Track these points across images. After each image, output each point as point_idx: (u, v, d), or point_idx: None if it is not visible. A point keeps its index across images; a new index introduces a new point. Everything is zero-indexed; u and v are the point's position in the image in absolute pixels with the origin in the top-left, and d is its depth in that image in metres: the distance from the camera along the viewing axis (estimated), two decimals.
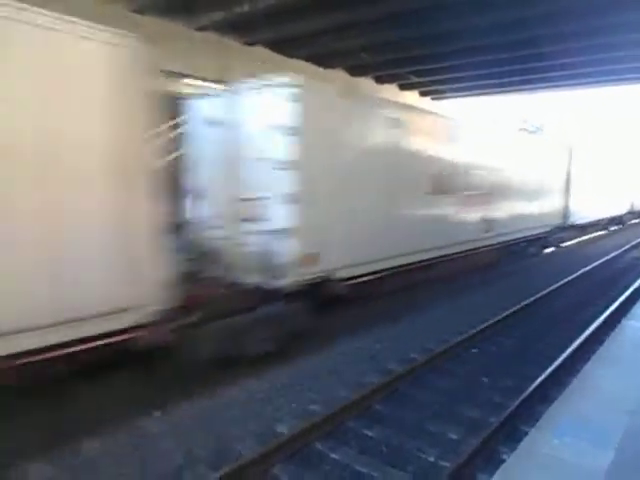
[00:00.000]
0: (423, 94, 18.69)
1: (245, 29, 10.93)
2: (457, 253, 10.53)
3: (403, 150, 8.67)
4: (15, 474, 4.01)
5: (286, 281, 6.68)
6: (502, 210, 12.26)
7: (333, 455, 4.48)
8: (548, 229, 15.55)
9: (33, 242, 4.24)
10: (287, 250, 6.63)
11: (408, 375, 6.16)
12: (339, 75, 14.48)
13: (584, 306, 9.67)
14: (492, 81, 16.13)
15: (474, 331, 7.67)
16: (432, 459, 4.46)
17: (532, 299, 9.73)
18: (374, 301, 8.55)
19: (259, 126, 6.74)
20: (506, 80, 16.00)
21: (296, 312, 6.87)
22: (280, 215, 6.62)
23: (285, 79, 6.53)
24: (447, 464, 4.28)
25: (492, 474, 3.26)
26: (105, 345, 4.68)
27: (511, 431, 4.86)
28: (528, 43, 11.43)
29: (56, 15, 4.26)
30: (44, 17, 4.17)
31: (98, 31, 4.50)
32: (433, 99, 19.28)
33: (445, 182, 9.83)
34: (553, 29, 10.28)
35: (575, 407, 3.97)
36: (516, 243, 13.61)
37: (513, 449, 3.70)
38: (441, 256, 9.92)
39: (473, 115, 20.82)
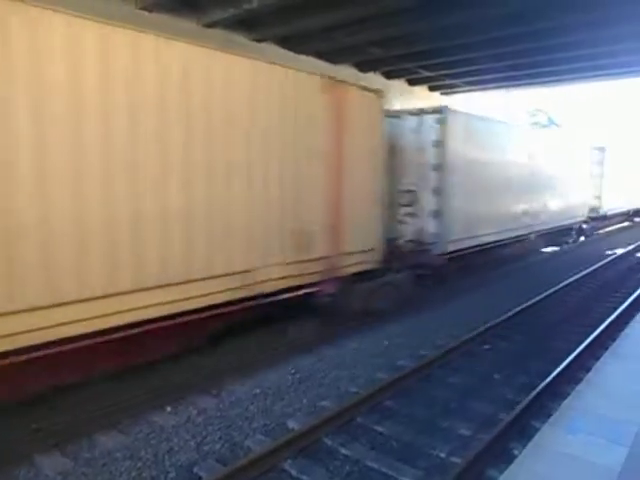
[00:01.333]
0: (432, 89, 18.53)
1: (254, 25, 10.90)
2: (532, 232, 13.84)
3: (500, 157, 11.79)
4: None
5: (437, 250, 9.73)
6: (553, 202, 15.01)
7: None
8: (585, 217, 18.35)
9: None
10: (434, 228, 9.73)
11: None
12: (348, 71, 14.40)
13: (605, 295, 9.96)
14: (502, 74, 15.92)
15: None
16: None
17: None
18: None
19: (418, 140, 9.76)
20: (516, 74, 15.79)
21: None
22: (429, 202, 9.70)
23: (434, 107, 9.96)
24: (458, 460, 4.26)
25: (503, 471, 3.23)
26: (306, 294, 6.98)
27: (523, 427, 4.82)
28: (537, 35, 11.27)
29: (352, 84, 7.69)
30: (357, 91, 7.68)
31: (372, 91, 8.03)
32: (442, 94, 19.11)
33: (520, 181, 12.79)
34: (561, 21, 10.12)
35: (588, 404, 3.93)
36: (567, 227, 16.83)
37: (525, 445, 3.67)
38: (517, 236, 12.87)
39: (484, 109, 20.58)
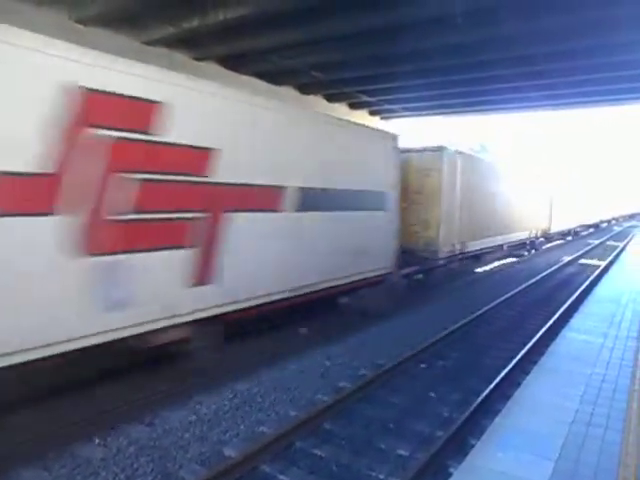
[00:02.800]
0: (372, 113, 19.05)
1: (194, 44, 10.79)
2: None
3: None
4: None
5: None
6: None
7: None
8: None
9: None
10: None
11: None
12: (289, 93, 14.55)
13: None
14: (440, 102, 16.62)
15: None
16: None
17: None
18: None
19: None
20: (454, 102, 16.52)
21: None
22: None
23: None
24: None
25: None
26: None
27: (459, 445, 4.92)
28: (476, 66, 11.85)
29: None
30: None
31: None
32: (382, 118, 19.68)
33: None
34: (499, 54, 10.74)
35: (518, 419, 4.07)
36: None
37: (461, 462, 3.73)
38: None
39: (421, 134, 21.47)
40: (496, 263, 18.17)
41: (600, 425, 3.96)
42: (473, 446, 4.02)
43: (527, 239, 20.54)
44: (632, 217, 61.86)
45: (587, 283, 13.00)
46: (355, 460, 4.69)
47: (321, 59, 11.63)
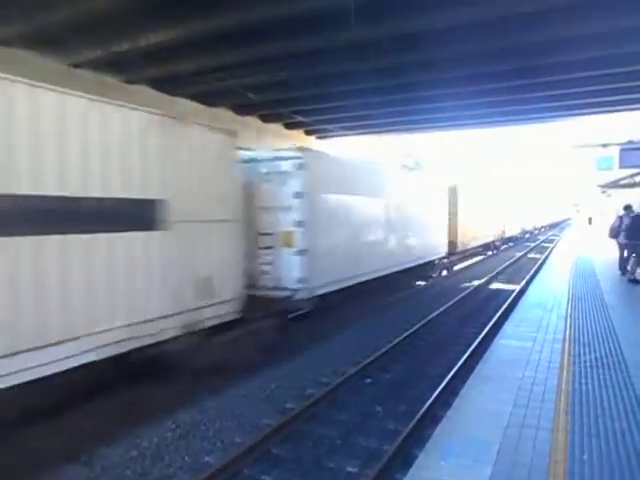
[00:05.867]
0: (308, 133, 19.40)
1: (124, 67, 10.61)
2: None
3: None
4: None
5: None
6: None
7: None
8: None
9: None
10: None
11: None
12: (224, 113, 14.55)
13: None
14: (373, 122, 17.22)
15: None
16: None
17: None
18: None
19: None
20: (385, 121, 17.16)
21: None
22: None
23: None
24: None
25: None
26: None
27: (405, 457, 5.02)
28: (404, 88, 12.41)
29: None
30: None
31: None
32: (318, 138, 20.06)
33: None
34: (426, 76, 11.32)
35: (458, 426, 4.23)
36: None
37: (406, 474, 3.82)
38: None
39: (358, 151, 21.96)
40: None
41: (532, 426, 4.19)
42: (417, 457, 4.14)
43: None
44: (553, 227, 65.93)
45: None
46: None
47: (254, 80, 11.76)
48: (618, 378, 5.36)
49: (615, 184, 24.06)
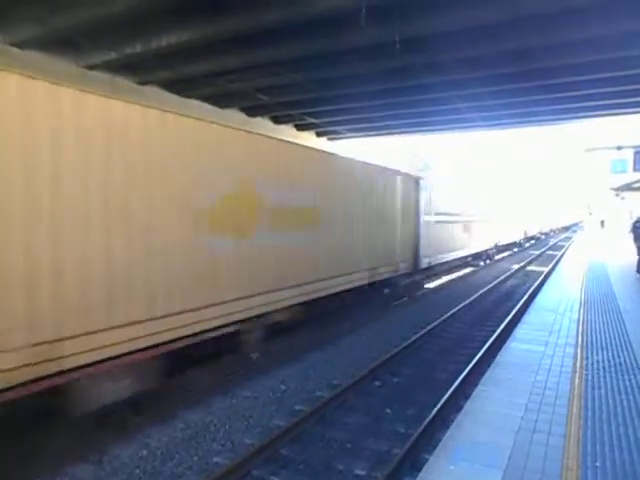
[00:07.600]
0: (319, 134, 19.39)
1: (137, 69, 10.69)
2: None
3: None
4: None
5: None
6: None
7: None
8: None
9: None
10: None
11: None
12: (236, 115, 14.60)
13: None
14: (385, 123, 17.17)
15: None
16: None
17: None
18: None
19: None
20: (397, 122, 17.09)
21: None
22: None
23: None
24: None
25: None
26: None
27: (414, 461, 5.00)
28: (415, 89, 12.34)
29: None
30: None
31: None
32: (329, 139, 20.05)
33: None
34: (438, 77, 11.24)
35: (467, 432, 4.18)
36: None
37: (415, 478, 3.79)
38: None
39: (370, 152, 21.83)
40: None
41: (544, 431, 4.14)
42: (427, 461, 4.11)
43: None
44: (566, 229, 65.19)
45: None
46: None
47: (267, 82, 11.79)
48: (632, 383, 5.29)
49: (628, 187, 23.83)
